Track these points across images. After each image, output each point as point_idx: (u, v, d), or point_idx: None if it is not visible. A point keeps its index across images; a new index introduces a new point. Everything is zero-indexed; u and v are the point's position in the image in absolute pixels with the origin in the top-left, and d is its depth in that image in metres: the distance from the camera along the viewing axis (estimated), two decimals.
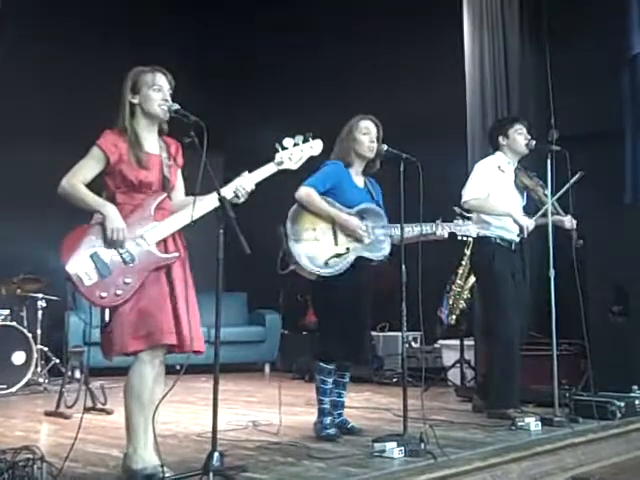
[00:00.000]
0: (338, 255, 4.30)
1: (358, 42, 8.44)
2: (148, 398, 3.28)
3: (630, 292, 5.61)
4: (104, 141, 3.31)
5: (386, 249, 4.40)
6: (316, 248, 4.27)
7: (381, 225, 4.41)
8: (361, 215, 4.40)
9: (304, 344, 7.77)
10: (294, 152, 3.53)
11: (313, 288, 4.40)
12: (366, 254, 4.37)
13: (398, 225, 4.25)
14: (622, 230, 5.71)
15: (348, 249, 4.33)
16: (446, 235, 4.49)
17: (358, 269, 4.33)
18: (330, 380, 4.38)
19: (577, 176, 4.97)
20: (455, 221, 4.57)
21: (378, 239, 4.38)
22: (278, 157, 3.50)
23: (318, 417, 4.40)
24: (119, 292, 3.19)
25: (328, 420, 4.36)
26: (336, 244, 4.32)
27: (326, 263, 4.25)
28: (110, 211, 3.23)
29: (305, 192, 4.30)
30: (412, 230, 4.36)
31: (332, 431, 4.30)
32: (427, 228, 4.42)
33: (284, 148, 3.52)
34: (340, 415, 4.48)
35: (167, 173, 3.40)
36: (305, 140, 3.58)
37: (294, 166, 3.54)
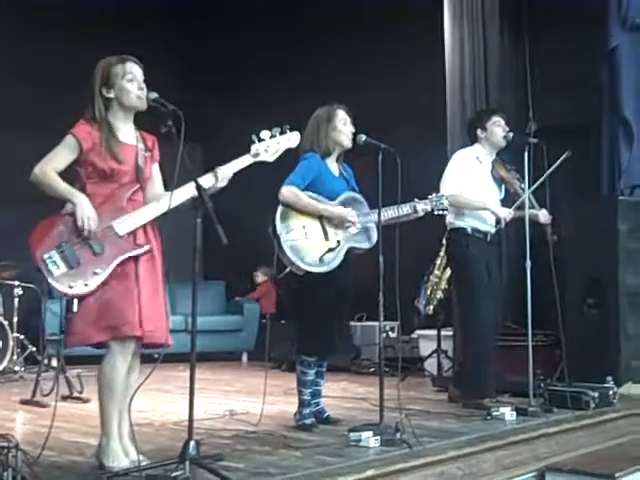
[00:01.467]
0: (331, 250, 4.30)
1: (339, 33, 8.46)
2: (121, 389, 3.28)
3: (605, 284, 5.66)
4: (78, 129, 3.28)
5: (373, 237, 4.40)
6: (309, 246, 4.25)
7: (364, 212, 4.41)
8: (344, 205, 4.40)
9: (282, 334, 7.77)
10: (270, 144, 3.51)
11: (299, 282, 4.34)
12: (356, 244, 4.39)
13: (376, 211, 4.26)
14: (598, 222, 5.76)
15: (339, 242, 4.34)
16: (421, 214, 4.52)
17: (345, 261, 4.34)
18: (312, 372, 4.39)
19: (565, 155, 5.00)
20: (429, 196, 4.61)
21: (364, 227, 4.39)
22: (254, 149, 3.48)
23: (299, 407, 4.41)
24: (88, 282, 3.18)
25: (307, 410, 4.37)
26: (327, 239, 4.32)
27: (321, 259, 4.25)
28: (81, 200, 3.21)
29: (289, 191, 4.27)
30: (393, 212, 4.39)
31: (308, 421, 4.32)
32: (406, 208, 4.47)
33: (261, 140, 3.51)
34: (317, 404, 4.50)
35: (141, 163, 3.38)
36: (282, 132, 3.57)
37: (270, 158, 3.52)
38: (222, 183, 3.40)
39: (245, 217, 7.96)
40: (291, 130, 3.61)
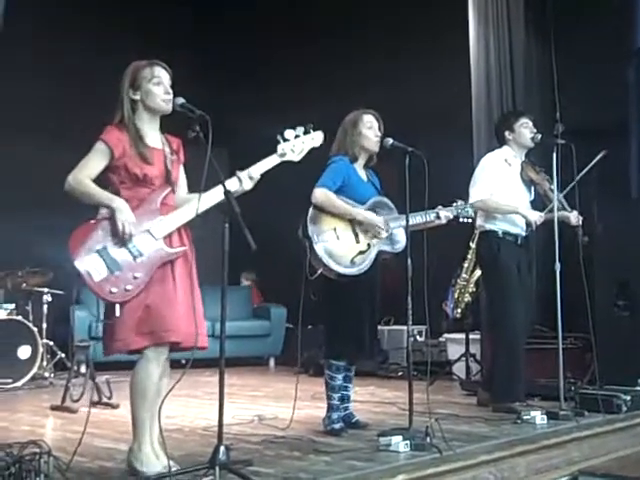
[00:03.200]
0: (362, 252, 4.30)
1: (363, 36, 8.45)
2: (153, 395, 3.28)
3: (635, 286, 5.60)
4: (108, 135, 3.29)
5: (402, 241, 4.39)
6: (340, 248, 4.25)
7: (393, 217, 4.41)
8: (374, 209, 4.41)
9: (309, 338, 7.77)
10: (296, 144, 3.51)
11: (328, 287, 4.32)
12: (386, 248, 4.39)
13: (403, 216, 4.25)
14: (628, 225, 5.71)
15: (369, 245, 4.34)
16: (444, 221, 4.56)
17: (375, 265, 4.34)
18: (340, 376, 4.38)
19: (601, 154, 4.97)
20: (455, 204, 4.65)
21: (393, 232, 4.38)
22: (280, 149, 3.49)
23: (327, 412, 4.40)
24: (129, 287, 3.18)
25: (335, 415, 4.36)
26: (357, 242, 4.32)
27: (352, 262, 4.25)
28: (120, 204, 3.22)
29: (322, 193, 4.27)
30: (419, 219, 4.41)
31: (337, 426, 4.30)
32: (431, 215, 4.49)
33: (285, 140, 3.50)
34: (346, 409, 4.49)
35: (170, 167, 3.39)
36: (306, 132, 3.56)
37: (296, 157, 3.52)
38: (249, 185, 3.40)
39: (271, 221, 7.98)
40: (314, 129, 3.60)
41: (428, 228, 4.48)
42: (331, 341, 4.45)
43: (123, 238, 3.20)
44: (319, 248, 4.19)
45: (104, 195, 3.25)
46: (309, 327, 8.16)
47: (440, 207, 4.58)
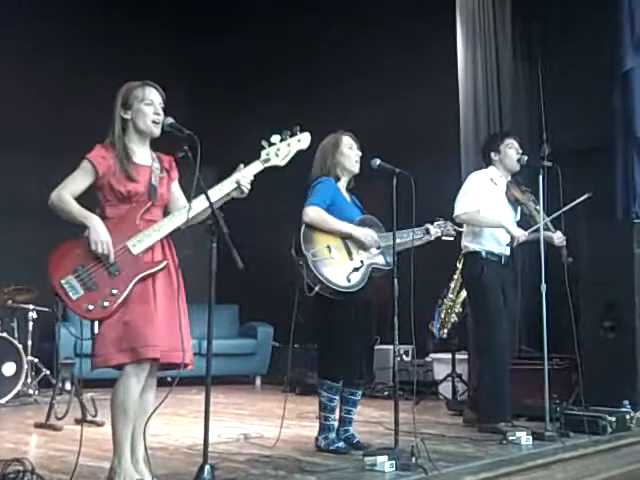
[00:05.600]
0: (356, 269, 4.31)
1: (352, 56, 8.49)
2: (134, 411, 3.27)
3: (621, 307, 5.62)
4: (93, 154, 3.33)
5: (394, 258, 4.39)
6: (335, 265, 4.25)
7: (384, 235, 4.42)
8: (363, 226, 4.43)
9: (296, 357, 7.76)
10: (281, 147, 3.49)
11: (323, 305, 4.29)
12: (379, 262, 4.39)
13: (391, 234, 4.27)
14: (613, 245, 5.73)
15: (362, 262, 4.35)
16: (433, 237, 4.63)
17: (367, 283, 4.34)
18: (337, 397, 4.37)
19: (583, 197, 5.02)
20: (436, 222, 4.71)
21: (384, 248, 4.39)
22: (264, 154, 3.47)
23: (321, 432, 4.36)
24: (106, 304, 3.19)
25: (333, 435, 4.34)
26: (351, 258, 4.33)
27: (348, 279, 4.26)
28: (95, 223, 3.24)
29: (314, 212, 4.28)
30: (407, 236, 4.42)
31: (341, 445, 4.30)
32: (419, 232, 4.55)
33: (271, 144, 3.49)
34: (347, 431, 4.45)
35: (155, 182, 3.40)
36: (292, 134, 3.54)
37: (281, 162, 3.50)
38: (237, 193, 3.40)
39: (258, 240, 7.99)
40: (302, 131, 3.56)
41: (417, 245, 4.50)
42: (325, 361, 4.43)
43: (99, 257, 3.20)
44: (314, 266, 4.18)
45: (80, 212, 3.27)
46: (296, 346, 8.17)
47: (427, 224, 4.62)
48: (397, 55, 8.08)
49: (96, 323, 3.20)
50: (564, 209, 5.03)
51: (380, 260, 4.41)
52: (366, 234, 4.37)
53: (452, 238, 4.91)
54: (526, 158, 5.17)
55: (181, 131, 3.29)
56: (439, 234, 4.67)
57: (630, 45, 6.29)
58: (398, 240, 4.27)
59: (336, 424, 4.39)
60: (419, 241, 4.56)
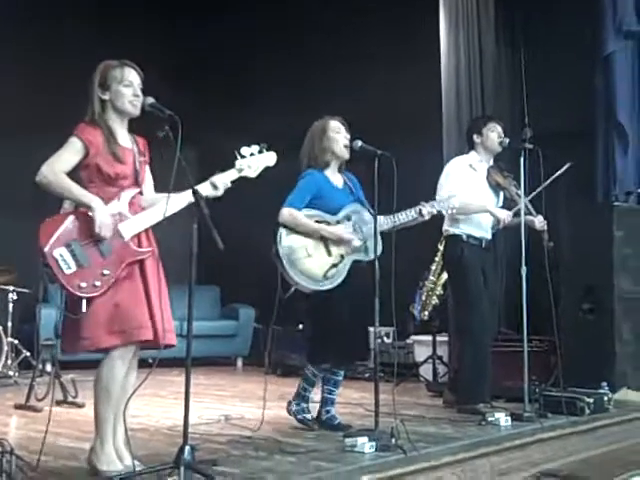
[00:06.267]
0: (334, 265, 4.31)
1: (333, 39, 8.45)
2: (118, 393, 3.27)
3: (600, 290, 5.67)
4: (83, 132, 3.27)
5: (378, 246, 4.34)
6: (312, 264, 4.27)
7: (368, 221, 4.38)
8: (348, 218, 4.42)
9: (278, 339, 7.78)
10: (251, 161, 3.55)
11: (309, 297, 4.35)
12: (360, 257, 4.38)
13: (383, 217, 4.29)
14: (593, 228, 5.78)
15: (342, 256, 4.34)
16: (427, 217, 4.52)
17: (352, 273, 4.34)
18: (320, 375, 4.43)
19: (564, 167, 5.04)
20: (437, 198, 4.67)
21: (368, 237, 4.35)
22: (238, 164, 3.53)
23: (295, 399, 4.44)
24: (97, 283, 3.17)
25: (305, 405, 4.41)
26: (329, 255, 4.33)
27: (325, 276, 4.26)
28: (99, 205, 3.20)
29: (287, 213, 4.30)
30: (396, 219, 4.40)
31: (309, 417, 4.37)
32: (411, 213, 4.47)
33: (242, 156, 3.55)
34: (328, 412, 4.48)
35: (138, 167, 3.39)
36: (260, 151, 3.60)
37: (253, 174, 3.56)
38: (218, 192, 3.42)
39: (241, 223, 7.97)
40: (269, 149, 3.63)
41: (407, 228, 4.50)
42: (313, 347, 4.50)
43: (98, 238, 3.18)
44: (289, 267, 4.21)
45: (82, 193, 3.23)
46: (278, 328, 8.18)
47: (422, 203, 4.53)
48: (380, 39, 8.06)
49: (84, 303, 3.16)
50: (547, 182, 5.05)
51: (363, 253, 4.38)
52: (339, 235, 4.33)
53: (447, 220, 4.93)
54: (508, 141, 5.18)
55: (162, 111, 3.26)
56: (434, 212, 4.57)
57: (612, 29, 6.31)
58: (391, 223, 4.33)
59: (312, 396, 4.45)
60: (412, 222, 4.52)
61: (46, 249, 3.13)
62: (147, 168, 3.50)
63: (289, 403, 4.47)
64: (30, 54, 7.87)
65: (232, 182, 3.49)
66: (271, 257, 4.26)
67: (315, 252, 4.30)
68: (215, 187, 3.39)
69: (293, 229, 4.30)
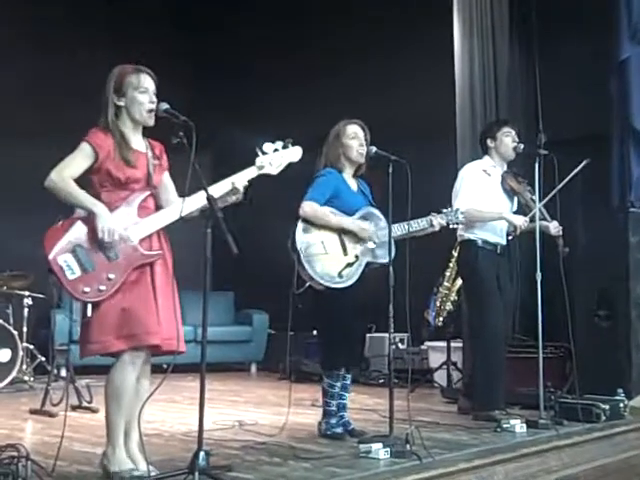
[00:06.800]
0: (349, 265, 4.31)
1: (348, 46, 8.46)
2: (129, 398, 3.27)
3: (615, 296, 5.64)
4: (93, 137, 3.29)
5: (392, 251, 4.33)
6: (328, 261, 4.26)
7: (382, 227, 4.39)
8: (363, 220, 4.42)
9: (292, 345, 7.77)
10: (274, 158, 3.52)
11: (320, 298, 4.34)
12: (374, 259, 4.38)
13: (395, 224, 4.29)
14: (608, 234, 5.75)
15: (357, 257, 4.34)
16: (437, 228, 4.53)
17: (363, 275, 4.34)
18: (338, 384, 4.41)
19: (583, 163, 5.02)
20: (444, 210, 4.63)
21: (382, 242, 4.36)
22: (259, 161, 3.49)
23: (323, 417, 4.43)
24: (102, 287, 3.18)
25: (334, 420, 4.39)
26: (345, 254, 4.33)
27: (340, 275, 4.26)
28: (102, 211, 3.21)
29: (309, 207, 4.30)
30: (408, 227, 4.40)
31: (339, 430, 4.35)
32: (423, 223, 4.48)
33: (264, 153, 3.51)
34: (342, 417, 4.48)
35: (152, 171, 3.39)
36: (285, 146, 3.57)
37: (274, 171, 3.52)
38: (234, 197, 3.40)
39: (255, 228, 7.98)
40: (294, 144, 3.60)
41: (420, 236, 4.50)
42: (327, 351, 4.50)
43: (102, 245, 3.19)
44: (306, 261, 4.20)
45: (87, 199, 3.24)
46: (291, 334, 8.17)
47: (433, 214, 4.56)
48: (394, 44, 8.07)
49: (89, 307, 3.19)
50: (565, 180, 5.01)
51: (377, 258, 4.38)
52: (362, 227, 4.35)
53: (461, 226, 4.93)
54: (522, 146, 5.16)
55: (176, 117, 3.26)
56: (444, 224, 4.59)
57: (627, 34, 6.28)
58: (402, 232, 4.34)
59: (335, 409, 4.42)
60: (422, 232, 4.53)
61: (50, 256, 3.15)
62: (166, 174, 3.50)
63: (319, 424, 4.45)
64: (34, 54, 7.91)
65: (250, 181, 3.44)
66: (287, 254, 4.24)
67: (332, 249, 4.30)
68: (234, 188, 3.37)
69: (312, 224, 4.29)
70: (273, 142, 3.54)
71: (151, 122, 3.37)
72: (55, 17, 8.08)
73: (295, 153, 3.61)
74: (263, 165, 3.49)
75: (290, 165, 3.59)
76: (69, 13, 8.17)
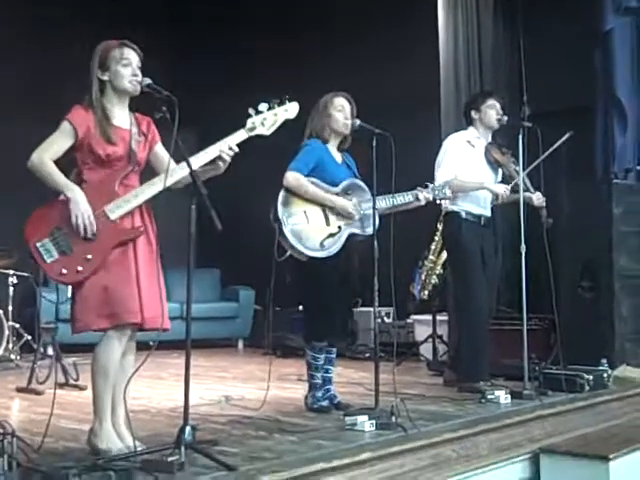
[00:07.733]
0: (332, 235, 4.30)
1: (331, 18, 8.42)
2: (115, 374, 3.28)
3: (599, 267, 5.68)
4: (73, 115, 3.28)
5: (376, 223, 4.33)
6: (310, 231, 4.26)
7: (367, 199, 4.39)
8: (346, 192, 4.41)
9: (277, 320, 7.80)
10: (268, 116, 3.45)
11: (302, 269, 4.35)
12: (357, 231, 4.38)
13: (380, 197, 4.29)
14: (592, 205, 5.77)
15: (340, 227, 4.34)
16: (423, 202, 4.53)
17: (347, 247, 4.34)
18: (322, 357, 4.42)
19: (566, 136, 5.03)
20: (431, 185, 4.63)
21: (366, 214, 4.37)
22: (250, 122, 3.42)
23: (309, 391, 4.44)
24: (80, 268, 3.18)
25: (320, 393, 4.41)
26: (328, 224, 4.33)
27: (322, 244, 4.26)
28: (76, 195, 3.20)
29: (293, 177, 4.28)
30: (393, 200, 4.41)
31: (324, 403, 4.37)
32: (408, 197, 4.48)
33: (258, 112, 3.44)
34: (328, 390, 4.49)
35: (135, 147, 3.37)
36: (281, 103, 3.50)
37: (267, 132, 3.45)
38: (216, 170, 3.38)
39: (240, 203, 7.96)
40: (290, 101, 3.53)
41: (404, 210, 4.50)
42: (309, 324, 4.50)
43: (77, 229, 3.18)
44: (288, 231, 4.19)
45: (63, 182, 3.24)
46: (277, 309, 8.20)
47: (419, 188, 4.55)
48: (377, 16, 8.03)
49: (69, 287, 3.20)
50: (547, 151, 5.02)
51: (361, 229, 4.38)
52: (344, 206, 4.34)
53: (448, 201, 4.93)
54: (506, 118, 5.16)
55: (159, 92, 3.25)
56: (430, 199, 4.59)
57: (611, 5, 6.27)
58: (387, 205, 4.33)
59: (321, 382, 4.44)
60: (407, 206, 4.53)
61: (29, 239, 3.19)
62: (159, 146, 3.47)
63: (305, 398, 4.46)
64: (28, 39, 7.84)
65: (233, 157, 3.37)
66: (273, 229, 4.23)
67: (314, 219, 4.29)
68: (220, 156, 3.32)
69: (295, 194, 4.28)
70: (268, 102, 3.46)
71: (136, 91, 3.33)
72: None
73: (291, 109, 3.53)
74: (254, 126, 3.42)
75: (286, 123, 3.50)
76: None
